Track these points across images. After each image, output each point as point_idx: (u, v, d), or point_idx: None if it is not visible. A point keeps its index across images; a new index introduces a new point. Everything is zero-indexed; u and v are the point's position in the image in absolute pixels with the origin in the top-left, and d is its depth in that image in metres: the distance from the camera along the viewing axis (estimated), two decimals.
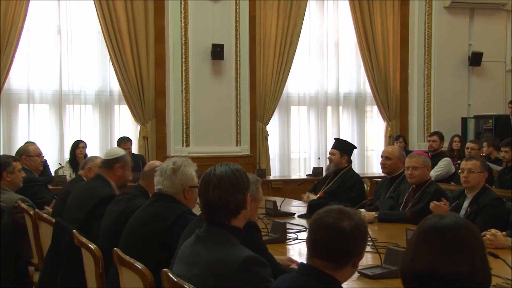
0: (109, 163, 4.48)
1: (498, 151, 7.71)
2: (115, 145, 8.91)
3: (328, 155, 6.35)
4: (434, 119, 10.35)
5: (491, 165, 7.59)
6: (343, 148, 6.10)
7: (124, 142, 8.54)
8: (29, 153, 5.70)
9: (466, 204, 4.50)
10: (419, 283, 1.79)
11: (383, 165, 5.67)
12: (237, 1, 9.26)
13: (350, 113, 10.41)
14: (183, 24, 9.05)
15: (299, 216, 5.16)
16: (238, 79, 9.34)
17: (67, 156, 8.53)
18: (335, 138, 6.58)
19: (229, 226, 2.48)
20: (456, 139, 8.82)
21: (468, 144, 8.12)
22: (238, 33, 9.29)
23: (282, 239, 4.08)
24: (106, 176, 4.44)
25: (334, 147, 6.14)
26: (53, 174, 8.14)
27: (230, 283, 2.29)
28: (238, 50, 9.30)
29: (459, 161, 7.87)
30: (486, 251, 1.84)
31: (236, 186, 2.49)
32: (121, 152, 4.64)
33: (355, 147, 6.49)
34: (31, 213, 4.39)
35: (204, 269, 2.39)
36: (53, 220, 3.92)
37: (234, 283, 2.29)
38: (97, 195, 4.23)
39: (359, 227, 2.12)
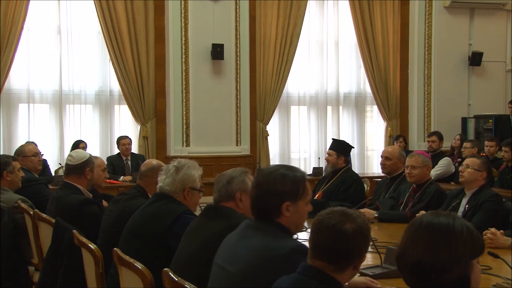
0: (79, 168, 4.42)
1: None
2: (115, 145, 8.92)
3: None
4: (434, 119, 10.36)
5: None
6: (340, 148, 6.09)
7: (123, 138, 8.59)
8: (25, 153, 5.65)
9: (464, 201, 4.51)
10: (410, 272, 1.84)
11: (383, 165, 5.66)
12: (237, 1, 9.26)
13: (350, 113, 10.42)
14: (183, 24, 9.05)
15: None
16: (238, 79, 9.34)
17: (67, 156, 8.52)
18: (332, 139, 6.57)
19: (276, 222, 2.49)
20: (457, 137, 8.83)
21: (464, 144, 8.15)
22: (238, 33, 9.29)
23: None
24: (76, 182, 4.39)
25: (331, 147, 6.14)
26: (53, 174, 8.14)
27: (276, 268, 2.28)
28: (238, 50, 9.30)
29: (459, 159, 7.88)
30: (476, 256, 1.85)
31: (271, 191, 2.49)
32: (86, 154, 4.57)
33: (352, 147, 6.48)
34: (30, 213, 4.38)
35: (252, 253, 2.39)
36: (53, 220, 3.92)
37: (280, 270, 2.25)
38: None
39: (362, 230, 2.12)
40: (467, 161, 4.55)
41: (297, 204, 2.51)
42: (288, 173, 2.52)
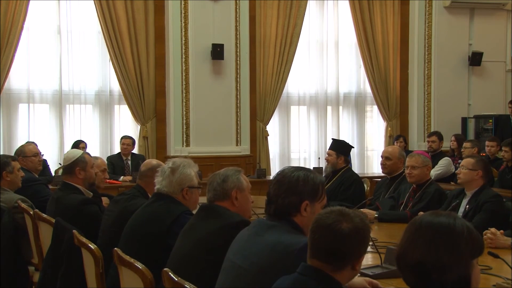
0: (70, 168, 4.43)
1: None
2: (116, 145, 8.89)
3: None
4: (434, 119, 10.36)
5: None
6: (339, 148, 6.09)
7: (125, 137, 8.57)
8: (25, 153, 5.65)
9: (465, 202, 4.51)
10: (410, 272, 1.84)
11: (383, 165, 5.66)
12: (237, 1, 9.26)
13: (350, 113, 10.42)
14: (183, 24, 9.05)
15: None
16: (238, 79, 9.34)
17: None
18: (332, 139, 6.57)
19: (292, 220, 2.51)
20: (452, 138, 8.82)
21: (464, 144, 8.16)
22: (238, 33, 9.29)
23: None
24: (71, 181, 4.40)
25: (330, 147, 6.15)
26: (53, 174, 8.13)
27: (290, 263, 2.28)
28: (238, 50, 9.30)
29: (459, 161, 7.88)
30: (476, 255, 1.85)
31: (293, 189, 2.52)
32: (78, 153, 4.56)
33: (352, 147, 6.48)
34: (31, 213, 4.38)
35: (265, 248, 2.41)
36: (53, 220, 3.92)
37: (294, 265, 2.25)
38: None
39: (358, 230, 2.10)
40: (462, 162, 4.61)
41: (314, 205, 2.55)
42: (310, 175, 2.57)
